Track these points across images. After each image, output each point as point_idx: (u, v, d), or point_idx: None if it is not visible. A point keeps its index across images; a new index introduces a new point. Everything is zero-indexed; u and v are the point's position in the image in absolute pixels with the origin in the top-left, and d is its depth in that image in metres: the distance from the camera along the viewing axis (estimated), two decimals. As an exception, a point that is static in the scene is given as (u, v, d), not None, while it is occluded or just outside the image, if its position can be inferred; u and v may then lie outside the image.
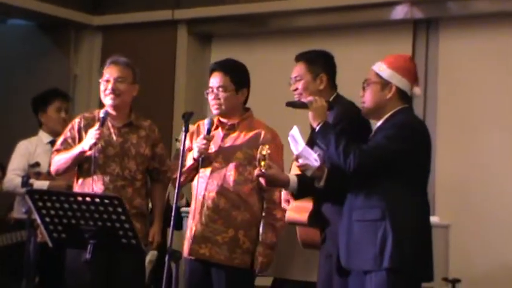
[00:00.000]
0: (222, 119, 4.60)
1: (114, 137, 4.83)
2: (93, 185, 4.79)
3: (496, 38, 6.33)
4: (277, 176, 4.13)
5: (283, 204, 4.38)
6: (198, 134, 4.59)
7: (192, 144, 4.56)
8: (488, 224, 6.13)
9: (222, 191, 4.48)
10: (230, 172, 4.50)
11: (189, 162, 4.52)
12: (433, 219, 5.18)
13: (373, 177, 3.96)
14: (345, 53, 6.08)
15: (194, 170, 4.54)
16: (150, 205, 5.13)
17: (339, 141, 3.95)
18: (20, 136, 5.95)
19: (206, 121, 4.54)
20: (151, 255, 5.62)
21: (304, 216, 4.24)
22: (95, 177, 4.80)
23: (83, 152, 4.70)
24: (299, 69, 4.39)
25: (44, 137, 5.86)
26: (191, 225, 4.56)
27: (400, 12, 6.42)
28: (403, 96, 4.05)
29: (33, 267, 4.88)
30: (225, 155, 4.52)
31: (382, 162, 3.94)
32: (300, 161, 4.09)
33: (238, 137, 4.56)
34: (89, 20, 7.68)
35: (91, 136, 4.68)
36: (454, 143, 6.42)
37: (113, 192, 4.72)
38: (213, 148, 4.52)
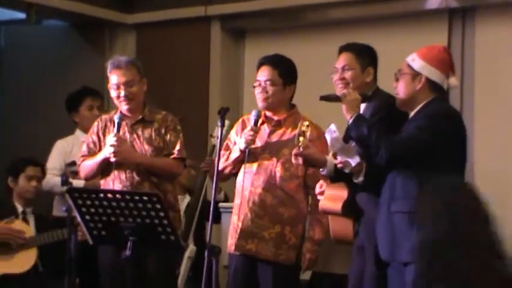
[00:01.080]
0: (268, 114, 4.62)
1: (128, 135, 4.86)
2: (112, 184, 4.83)
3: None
4: (314, 154, 4.17)
5: (318, 197, 4.39)
6: (243, 129, 4.61)
7: (239, 137, 4.58)
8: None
9: (268, 187, 4.51)
10: (277, 168, 4.52)
11: (235, 154, 4.55)
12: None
13: (407, 168, 3.97)
14: (380, 44, 5.99)
15: (240, 162, 4.57)
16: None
17: (371, 133, 3.98)
18: (57, 136, 6.02)
19: (253, 112, 4.56)
20: (190, 251, 5.66)
21: (338, 205, 4.26)
22: (113, 175, 4.85)
23: (106, 159, 4.76)
24: (348, 59, 4.38)
25: (80, 135, 5.90)
26: (236, 221, 4.59)
27: (434, 1, 6.37)
28: (435, 87, 4.05)
29: (75, 265, 4.94)
30: (271, 151, 4.54)
31: (414, 152, 3.95)
32: (339, 158, 4.11)
33: (285, 133, 4.58)
34: (123, 19, 7.72)
35: (110, 143, 4.74)
36: (492, 135, 6.36)
37: (130, 189, 4.75)
38: (258, 143, 4.54)
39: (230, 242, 4.59)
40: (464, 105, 6.41)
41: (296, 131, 4.43)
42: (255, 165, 4.55)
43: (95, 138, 4.95)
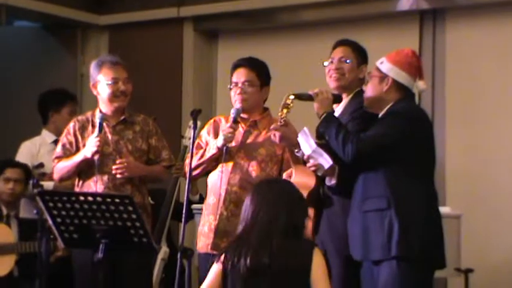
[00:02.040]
0: (243, 115, 4.63)
1: (110, 136, 4.85)
2: (94, 186, 4.82)
3: (504, 28, 6.30)
4: (292, 133, 4.19)
5: None
6: (215, 129, 4.62)
7: (211, 137, 4.59)
8: (499, 214, 6.12)
9: (245, 185, 4.50)
10: (253, 167, 4.54)
11: (211, 151, 4.55)
12: (445, 209, 5.21)
13: (373, 166, 4.01)
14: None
15: (214, 160, 4.57)
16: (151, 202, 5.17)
17: (339, 131, 4.04)
18: (27, 137, 5.99)
19: (233, 110, 4.56)
20: (163, 253, 5.64)
21: (304, 193, 4.23)
22: (95, 177, 4.83)
23: (85, 159, 4.74)
24: (346, 51, 4.38)
25: (47, 136, 5.91)
26: (210, 220, 4.58)
27: (405, 3, 6.39)
28: (401, 89, 4.14)
29: (46, 268, 4.90)
30: (247, 151, 4.56)
31: (380, 149, 4.00)
32: (311, 161, 4.13)
33: (260, 134, 4.60)
34: (95, 20, 7.69)
35: (92, 144, 4.73)
36: (463, 135, 6.41)
37: (113, 190, 4.76)
38: (233, 143, 4.55)
39: (205, 242, 4.57)
40: (435, 106, 6.44)
41: (271, 127, 4.43)
42: (230, 164, 4.56)
43: (71, 138, 4.93)
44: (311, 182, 4.27)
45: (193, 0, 7.32)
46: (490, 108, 6.33)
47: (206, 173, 4.66)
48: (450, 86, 6.53)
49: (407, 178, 4.02)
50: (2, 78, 7.54)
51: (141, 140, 4.90)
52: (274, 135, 4.28)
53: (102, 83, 4.87)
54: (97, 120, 4.81)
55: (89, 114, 4.99)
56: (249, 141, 4.59)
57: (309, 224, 4.29)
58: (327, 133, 4.09)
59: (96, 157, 4.75)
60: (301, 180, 4.28)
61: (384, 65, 4.12)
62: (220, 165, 4.56)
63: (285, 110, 4.18)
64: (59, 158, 4.94)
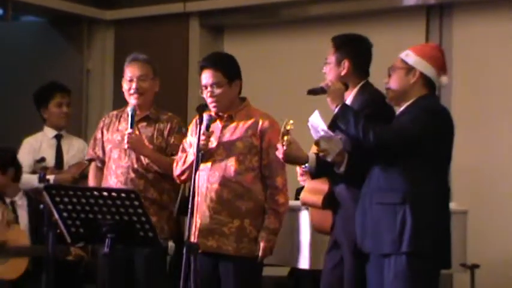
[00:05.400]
0: (220, 113, 4.59)
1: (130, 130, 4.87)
2: (110, 179, 4.86)
3: (510, 22, 6.31)
4: (297, 152, 4.17)
5: (299, 178, 4.39)
6: (196, 129, 4.51)
7: (194, 138, 4.53)
8: (505, 210, 6.14)
9: (224, 181, 4.45)
10: (231, 163, 4.46)
11: (190, 157, 4.48)
12: (451, 205, 5.19)
13: (394, 157, 3.99)
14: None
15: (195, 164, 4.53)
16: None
17: (358, 119, 3.99)
18: (33, 131, 6.00)
19: (205, 117, 4.46)
20: (169, 249, 5.64)
21: (318, 199, 4.30)
22: (110, 170, 4.88)
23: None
24: (329, 52, 4.37)
25: (48, 132, 5.93)
26: (196, 219, 4.52)
27: (412, -2, 6.41)
28: (428, 83, 4.09)
29: (53, 263, 4.91)
30: (225, 147, 4.49)
31: (402, 142, 3.97)
32: (322, 145, 4.10)
33: (237, 127, 4.52)
34: (101, 15, 7.72)
35: (126, 140, 4.78)
36: (470, 131, 6.40)
37: (124, 184, 4.78)
38: (214, 142, 4.52)
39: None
40: (442, 101, 6.43)
41: (249, 122, 4.44)
42: (210, 162, 4.51)
43: (97, 133, 5.01)
44: (324, 186, 4.28)
45: (200, -6, 7.36)
46: (497, 104, 6.35)
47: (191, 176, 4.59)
48: (457, 81, 6.52)
49: (424, 174, 3.99)
50: (8, 73, 7.56)
51: (160, 138, 4.89)
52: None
53: (124, 79, 4.94)
54: (129, 112, 4.84)
55: (121, 109, 5.04)
56: (226, 137, 4.52)
57: (328, 221, 4.34)
58: (344, 123, 4.04)
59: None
60: (315, 186, 4.31)
61: (410, 57, 4.06)
62: (198, 167, 4.42)
63: (285, 137, 4.12)
64: (90, 160, 5.05)
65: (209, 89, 4.49)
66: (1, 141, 6.10)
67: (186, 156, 4.53)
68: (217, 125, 4.55)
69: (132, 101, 4.87)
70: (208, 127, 4.46)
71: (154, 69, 4.96)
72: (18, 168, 5.59)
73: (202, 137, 4.41)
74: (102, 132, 4.99)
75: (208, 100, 4.52)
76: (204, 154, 4.43)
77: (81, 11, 7.61)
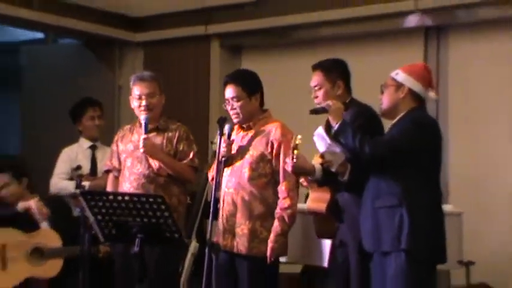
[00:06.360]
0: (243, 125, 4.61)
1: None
2: (124, 184, 4.89)
3: (501, 43, 6.29)
4: (304, 165, 4.21)
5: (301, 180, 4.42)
6: (220, 139, 4.56)
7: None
8: (497, 212, 6.11)
9: (239, 186, 4.47)
10: (245, 169, 4.47)
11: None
12: (447, 207, 5.19)
13: (387, 167, 4.01)
14: (362, 60, 6.10)
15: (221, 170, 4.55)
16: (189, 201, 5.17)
17: (355, 134, 4.06)
18: (72, 142, 6.04)
19: (227, 127, 4.52)
20: (193, 248, 5.64)
21: (322, 206, 4.33)
22: (125, 177, 4.91)
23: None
24: (318, 78, 4.43)
25: (83, 143, 5.98)
26: (220, 221, 4.55)
27: (411, 20, 6.40)
28: (416, 97, 4.13)
29: (88, 261, 4.93)
30: (242, 154, 4.51)
31: (395, 153, 4.00)
32: (326, 157, 4.15)
33: (253, 136, 4.53)
34: (131, 37, 7.75)
35: (140, 145, 4.81)
36: (465, 139, 6.41)
37: (136, 189, 4.80)
38: (235, 149, 4.54)
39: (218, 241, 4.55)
40: (439, 115, 6.44)
41: (264, 132, 4.46)
42: (230, 168, 4.54)
43: (113, 147, 5.04)
44: (327, 195, 4.32)
45: (219, 18, 7.35)
46: (489, 115, 6.33)
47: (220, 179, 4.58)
48: (453, 96, 6.53)
49: (418, 179, 4.01)
50: (47, 90, 7.62)
51: (170, 146, 4.91)
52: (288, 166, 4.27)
53: (132, 97, 4.95)
54: (142, 122, 4.86)
55: (133, 123, 5.06)
56: (243, 144, 4.54)
57: (331, 226, 4.37)
58: (343, 137, 4.09)
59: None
60: (319, 195, 4.35)
61: (400, 75, 4.12)
62: (222, 172, 4.51)
63: (295, 151, 4.16)
64: (107, 171, 5.07)
65: (231, 102, 4.53)
66: (42, 153, 6.13)
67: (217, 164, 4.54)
68: (239, 134, 4.59)
69: (142, 116, 4.87)
70: (229, 136, 4.51)
71: (160, 84, 4.95)
72: (30, 178, 5.54)
73: (223, 144, 4.47)
74: (117, 145, 5.01)
75: (231, 112, 4.56)
76: (226, 160, 4.49)
77: (113, 33, 7.63)
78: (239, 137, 4.57)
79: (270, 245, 4.40)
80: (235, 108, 4.52)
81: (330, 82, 4.40)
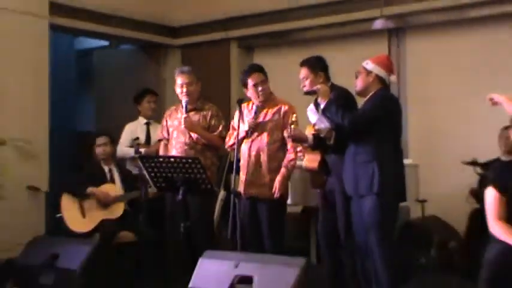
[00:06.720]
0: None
1: (183, 116, 4.87)
2: (172, 150, 4.87)
3: (448, 41, 6.21)
4: (300, 134, 4.25)
5: (299, 155, 4.45)
6: (241, 114, 4.59)
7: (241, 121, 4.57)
8: (446, 162, 6.09)
9: (259, 150, 4.52)
10: (264, 137, 4.52)
11: (242, 134, 4.55)
12: (407, 161, 5.21)
13: (362, 133, 4.04)
14: (340, 56, 6.06)
15: (243, 138, 4.58)
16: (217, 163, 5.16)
17: (338, 109, 4.05)
18: (130, 121, 6.08)
19: (254, 106, 4.54)
20: (221, 195, 5.67)
21: (315, 164, 4.35)
22: (172, 146, 4.89)
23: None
24: (305, 72, 4.45)
25: (141, 120, 6.02)
26: (242, 175, 4.58)
27: (379, 24, 6.35)
28: (382, 81, 4.15)
29: (145, 209, 4.96)
30: (260, 126, 4.55)
31: (369, 123, 4.02)
32: (316, 126, 4.19)
33: (268, 112, 4.57)
34: (172, 42, 7.73)
35: (182, 122, 4.79)
36: (421, 120, 6.35)
37: (180, 153, 4.74)
38: (245, 121, 4.54)
39: (241, 189, 4.54)
40: (400, 93, 6.40)
41: (275, 108, 4.49)
42: (251, 138, 4.56)
43: (164, 122, 5.02)
44: (318, 157, 4.34)
45: (236, 25, 7.29)
46: (438, 97, 6.28)
47: (239, 146, 4.61)
48: (410, 80, 6.46)
49: (384, 141, 4.04)
50: (112, 84, 7.64)
51: (204, 121, 4.90)
52: (288, 138, 4.33)
53: (176, 86, 4.94)
54: (183, 104, 4.85)
55: (177, 105, 5.04)
56: (260, 119, 4.55)
57: (321, 180, 4.37)
58: (329, 112, 4.12)
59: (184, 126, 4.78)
60: (312, 157, 4.35)
61: (369, 64, 4.14)
62: (247, 140, 4.56)
63: (293, 126, 4.23)
64: (160, 140, 5.01)
65: (259, 87, 4.52)
66: (111, 129, 6.18)
67: (238, 134, 4.53)
68: (251, 110, 4.59)
69: (183, 100, 4.86)
70: (256, 113, 4.52)
71: (196, 75, 4.92)
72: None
73: (252, 120, 4.47)
74: (166, 120, 4.99)
75: (254, 95, 4.55)
76: (253, 130, 4.50)
77: (160, 40, 7.62)
78: (252, 112, 4.58)
79: (277, 184, 4.44)
80: (260, 91, 4.50)
81: (313, 74, 4.42)
